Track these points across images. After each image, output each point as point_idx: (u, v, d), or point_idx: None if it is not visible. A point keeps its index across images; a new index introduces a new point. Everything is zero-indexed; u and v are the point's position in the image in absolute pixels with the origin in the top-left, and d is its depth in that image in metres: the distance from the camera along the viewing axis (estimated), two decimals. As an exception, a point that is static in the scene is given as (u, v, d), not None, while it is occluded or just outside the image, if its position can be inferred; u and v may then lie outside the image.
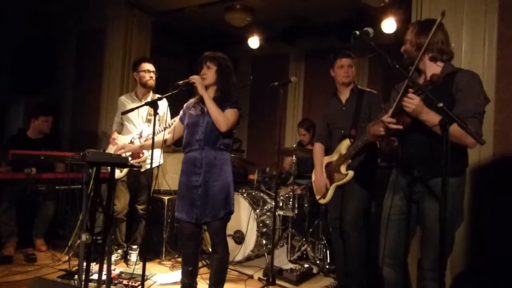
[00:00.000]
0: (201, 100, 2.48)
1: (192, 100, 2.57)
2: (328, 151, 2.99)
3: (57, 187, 3.05)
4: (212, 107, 2.35)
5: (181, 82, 2.38)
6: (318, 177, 2.92)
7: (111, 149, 3.30)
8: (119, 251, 3.46)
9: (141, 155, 3.28)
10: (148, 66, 3.51)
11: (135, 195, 3.49)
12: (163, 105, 3.17)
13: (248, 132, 6.23)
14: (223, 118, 2.37)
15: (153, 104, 2.38)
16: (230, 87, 2.47)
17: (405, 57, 2.04)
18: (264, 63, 6.15)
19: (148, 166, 3.46)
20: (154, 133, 2.36)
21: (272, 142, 5.83)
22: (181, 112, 2.63)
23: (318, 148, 2.99)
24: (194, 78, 2.39)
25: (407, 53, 2.03)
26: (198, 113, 2.47)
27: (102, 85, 4.79)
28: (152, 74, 3.52)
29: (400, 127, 1.90)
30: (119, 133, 3.53)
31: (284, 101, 5.87)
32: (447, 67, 1.97)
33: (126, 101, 3.49)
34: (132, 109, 2.54)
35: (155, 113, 2.37)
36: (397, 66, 1.78)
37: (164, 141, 2.57)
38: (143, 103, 2.39)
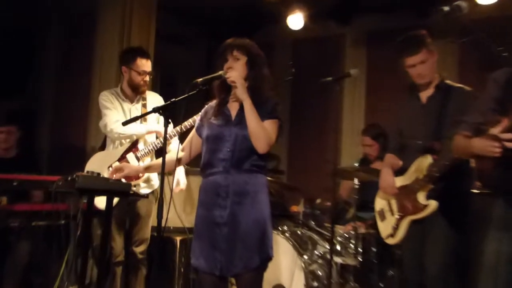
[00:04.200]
0: (223, 103, 2.56)
1: (211, 104, 2.64)
2: (399, 172, 3.04)
3: (34, 223, 3.17)
4: (254, 119, 2.43)
5: (200, 79, 2.44)
6: (384, 174, 2.99)
7: (101, 170, 3.40)
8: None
9: (140, 175, 3.39)
10: (144, 65, 3.61)
11: (129, 233, 3.58)
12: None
13: (289, 145, 6.30)
14: (265, 135, 2.43)
15: (164, 111, 2.44)
16: (265, 85, 2.54)
17: None
18: (310, 50, 6.22)
19: (147, 191, 3.59)
20: (165, 149, 2.43)
21: (323, 159, 5.80)
22: (197, 120, 2.70)
23: (389, 158, 3.06)
24: (233, 76, 2.46)
25: None
26: (221, 123, 2.54)
27: (92, 86, 5.00)
28: (148, 78, 3.63)
29: None
30: (102, 148, 3.67)
31: (339, 101, 5.86)
32: None
33: (112, 101, 3.63)
34: (136, 118, 2.63)
35: (167, 123, 2.43)
36: (505, 54, 1.74)
37: (178, 160, 2.64)
38: (152, 109, 2.45)
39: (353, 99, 5.95)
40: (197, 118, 2.75)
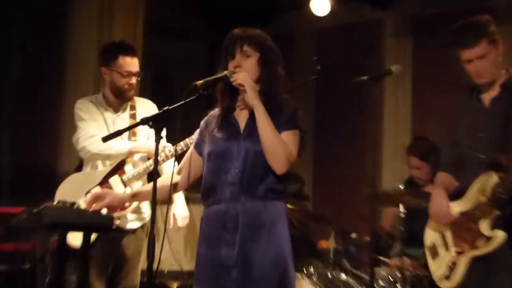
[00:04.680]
0: (228, 111, 2.58)
1: (214, 113, 2.67)
2: (455, 194, 3.04)
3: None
4: (268, 130, 2.44)
5: (201, 81, 2.44)
6: (436, 197, 3.00)
7: (77, 197, 3.42)
8: None
9: (127, 204, 3.38)
10: (129, 64, 3.64)
11: (112, 278, 3.59)
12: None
13: (314, 163, 6.34)
14: (283, 150, 2.44)
15: (155, 123, 2.44)
16: (282, 87, 2.56)
17: None
18: (340, 42, 6.25)
19: (136, 225, 3.62)
20: (156, 172, 2.41)
21: (358, 180, 5.79)
22: (195, 135, 2.73)
23: (442, 176, 3.09)
24: (241, 77, 2.47)
25: None
26: (227, 136, 2.55)
27: (65, 94, 5.08)
28: (135, 80, 3.67)
29: None
30: (79, 169, 3.71)
31: (378, 106, 5.86)
32: None
33: (89, 111, 3.68)
34: (120, 132, 2.65)
35: (158, 138, 2.43)
36: None
37: (174, 186, 2.64)
38: (139, 121, 2.45)
39: (396, 102, 5.99)
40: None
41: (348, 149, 6.11)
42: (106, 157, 3.57)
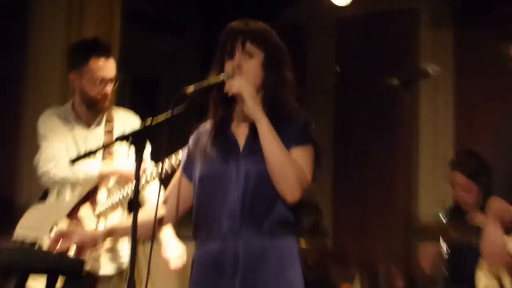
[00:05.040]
0: (222, 124, 2.56)
1: (204, 126, 2.66)
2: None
3: None
4: (275, 147, 2.42)
5: (191, 87, 2.41)
6: (489, 230, 2.99)
7: (40, 233, 3.41)
8: None
9: (100, 243, 3.25)
10: (103, 68, 3.62)
11: None
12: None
13: (334, 187, 6.31)
14: (294, 171, 2.41)
15: (137, 139, 2.40)
16: (291, 94, 2.55)
17: None
18: (364, 36, 6.23)
19: (111, 270, 3.58)
20: (136, 202, 2.41)
21: (389, 209, 5.77)
22: (183, 155, 2.72)
23: (496, 204, 3.11)
24: (239, 84, 2.45)
25: None
26: (223, 154, 2.53)
27: (24, 107, 5.06)
28: (110, 87, 3.65)
29: None
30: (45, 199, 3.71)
31: (413, 114, 5.83)
32: None
33: (54, 128, 3.68)
34: (92, 152, 2.64)
35: (139, 158, 2.39)
36: None
37: (159, 221, 2.60)
38: (116, 137, 2.44)
39: (435, 111, 6.00)
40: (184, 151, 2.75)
41: (376, 171, 6.12)
42: (74, 183, 3.55)
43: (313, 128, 2.54)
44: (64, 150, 3.58)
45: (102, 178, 3.55)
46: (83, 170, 3.48)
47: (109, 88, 3.65)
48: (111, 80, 3.64)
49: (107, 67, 3.63)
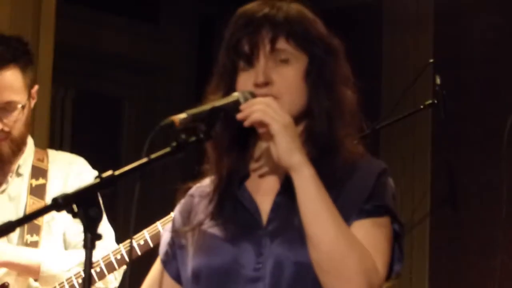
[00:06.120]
0: (230, 181, 2.02)
1: (201, 187, 2.19)
2: None
3: None
4: (326, 219, 1.90)
5: (182, 116, 1.84)
6: None
7: None
8: None
9: None
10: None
11: None
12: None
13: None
14: (359, 261, 1.88)
15: (85, 205, 1.83)
16: (353, 127, 2.02)
17: None
18: (480, 36, 5.52)
19: None
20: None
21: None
22: (164, 237, 2.22)
23: None
24: (263, 108, 1.90)
25: None
26: (235, 232, 2.00)
27: None
28: (15, 117, 3.08)
29: None
30: None
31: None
32: None
33: None
34: (10, 226, 2.12)
35: (89, 239, 1.86)
36: None
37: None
38: (50, 202, 1.89)
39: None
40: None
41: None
42: None
43: (392, 187, 1.99)
44: None
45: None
46: None
47: (11, 118, 3.06)
48: (10, 105, 3.04)
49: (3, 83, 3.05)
